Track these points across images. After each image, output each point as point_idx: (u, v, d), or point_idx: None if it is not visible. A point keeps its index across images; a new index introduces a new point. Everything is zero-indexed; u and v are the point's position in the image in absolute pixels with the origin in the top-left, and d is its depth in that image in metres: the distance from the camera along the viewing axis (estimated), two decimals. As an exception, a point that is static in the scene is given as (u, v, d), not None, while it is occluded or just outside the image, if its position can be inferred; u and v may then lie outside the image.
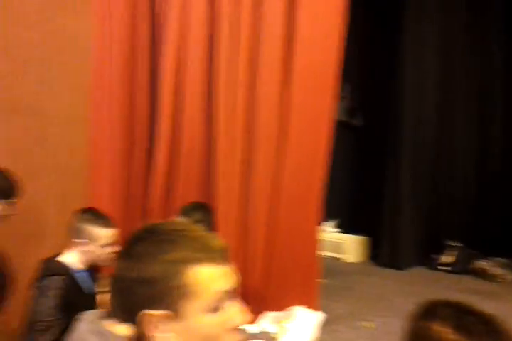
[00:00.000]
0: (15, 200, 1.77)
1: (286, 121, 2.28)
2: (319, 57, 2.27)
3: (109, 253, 1.78)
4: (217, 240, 0.73)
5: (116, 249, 1.78)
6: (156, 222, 0.76)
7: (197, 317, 0.68)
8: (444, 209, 4.55)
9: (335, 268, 3.53)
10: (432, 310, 0.87)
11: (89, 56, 2.34)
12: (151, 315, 0.68)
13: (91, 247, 1.78)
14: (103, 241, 1.76)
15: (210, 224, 2.28)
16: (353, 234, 4.21)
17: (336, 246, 3.94)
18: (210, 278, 0.68)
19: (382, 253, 3.98)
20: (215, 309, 0.69)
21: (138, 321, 0.70)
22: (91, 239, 1.78)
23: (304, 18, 2.25)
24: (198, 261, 0.68)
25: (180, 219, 2.01)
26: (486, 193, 4.99)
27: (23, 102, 2.22)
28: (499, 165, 5.05)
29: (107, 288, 1.61)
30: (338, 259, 3.97)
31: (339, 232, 4.19)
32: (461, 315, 0.83)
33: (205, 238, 0.72)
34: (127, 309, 0.73)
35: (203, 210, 2.15)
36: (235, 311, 0.71)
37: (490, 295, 3.35)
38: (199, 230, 0.74)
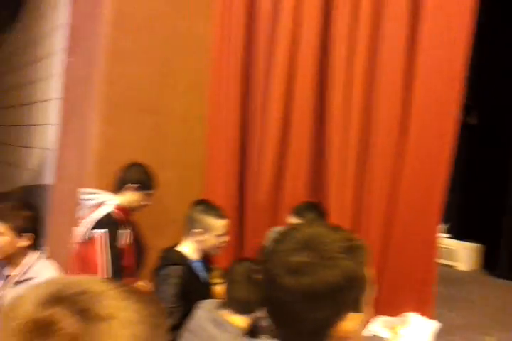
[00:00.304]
0: (152, 192, 1.92)
1: (407, 120, 2.18)
2: (444, 54, 2.15)
3: (221, 243, 1.84)
4: None
5: (227, 239, 1.84)
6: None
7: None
8: None
9: (447, 275, 3.31)
10: None
11: (208, 57, 2.44)
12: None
13: (206, 237, 1.86)
14: (217, 231, 1.83)
15: (323, 225, 2.24)
16: (464, 240, 3.92)
17: (447, 253, 3.70)
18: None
19: (501, 264, 3.65)
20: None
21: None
22: (206, 229, 1.86)
23: (430, 13, 2.14)
24: None
25: (292, 219, 2.01)
26: None
27: (149, 102, 2.37)
28: None
29: (220, 280, 1.66)
30: (449, 266, 3.73)
31: (450, 238, 3.93)
32: None
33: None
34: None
35: (316, 210, 2.13)
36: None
37: None
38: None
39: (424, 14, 2.16)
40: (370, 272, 0.68)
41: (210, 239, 1.85)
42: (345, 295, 0.63)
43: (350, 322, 0.64)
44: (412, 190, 2.15)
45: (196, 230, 1.86)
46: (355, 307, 0.65)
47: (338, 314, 0.64)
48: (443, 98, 2.18)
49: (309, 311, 0.63)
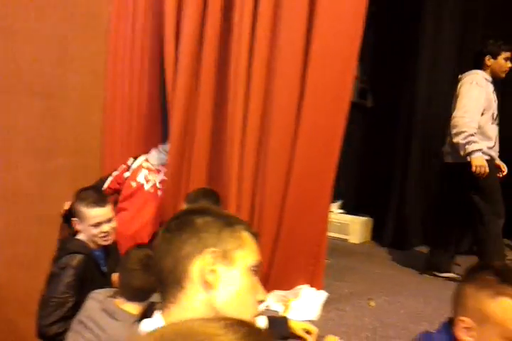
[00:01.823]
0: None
1: (302, 103, 2.29)
2: (338, 39, 2.27)
3: (101, 233, 1.83)
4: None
5: (110, 227, 1.82)
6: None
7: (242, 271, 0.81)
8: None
9: (339, 248, 3.61)
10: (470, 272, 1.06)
11: (107, 39, 2.36)
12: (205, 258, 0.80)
13: (82, 227, 1.84)
14: (90, 221, 1.80)
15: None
16: (357, 215, 4.27)
17: (341, 227, 4.01)
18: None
19: (387, 234, 4.05)
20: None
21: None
22: (81, 219, 1.83)
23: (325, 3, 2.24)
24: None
25: (186, 206, 2.04)
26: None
27: (42, 85, 2.26)
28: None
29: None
30: (342, 240, 4.05)
31: (343, 213, 4.25)
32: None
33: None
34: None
35: (210, 197, 2.17)
36: (260, 287, 0.82)
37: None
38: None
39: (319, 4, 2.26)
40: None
41: (86, 229, 1.83)
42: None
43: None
44: (304, 171, 2.30)
45: (74, 219, 1.83)
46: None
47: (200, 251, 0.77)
48: (336, 82, 2.32)
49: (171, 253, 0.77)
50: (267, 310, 2.24)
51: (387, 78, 4.74)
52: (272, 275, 2.30)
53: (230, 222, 0.81)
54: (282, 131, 2.28)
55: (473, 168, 2.66)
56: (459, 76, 3.11)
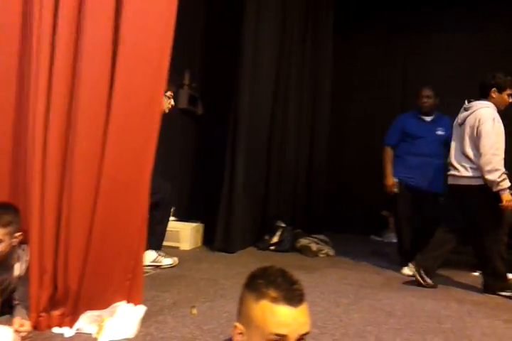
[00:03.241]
0: None
1: (110, 110, 2.15)
2: (148, 41, 2.20)
3: None
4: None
5: None
6: None
7: None
8: (275, 194, 4.89)
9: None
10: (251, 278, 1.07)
11: None
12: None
13: None
14: None
15: (19, 225, 2.10)
16: (189, 221, 4.26)
17: (172, 235, 3.94)
18: None
19: (216, 239, 4.12)
20: None
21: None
22: None
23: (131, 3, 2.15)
24: None
25: None
26: (312, 180, 5.52)
27: None
28: (325, 155, 5.65)
29: None
30: (174, 248, 3.99)
31: (175, 221, 4.20)
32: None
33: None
34: None
35: (11, 212, 2.05)
36: None
37: (309, 269, 3.72)
38: None
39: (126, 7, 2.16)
40: None
41: None
42: None
43: None
44: (115, 179, 2.14)
45: None
46: None
47: None
48: (147, 86, 2.22)
49: None
50: (79, 333, 2.04)
51: (217, 85, 4.86)
52: (83, 294, 2.10)
53: None
54: (89, 139, 2.11)
55: (504, 203, 3.07)
56: (467, 104, 3.38)
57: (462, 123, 3.37)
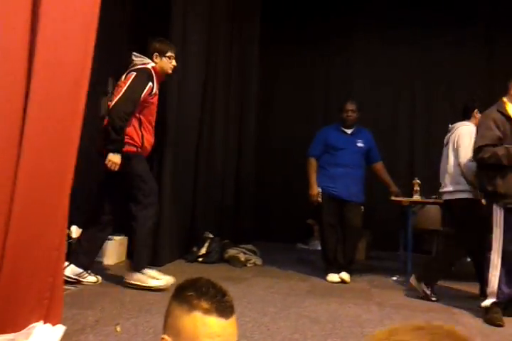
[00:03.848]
0: None
1: (26, 119, 2.03)
2: (69, 48, 2.11)
3: None
4: None
5: None
6: None
7: None
8: (203, 205, 4.86)
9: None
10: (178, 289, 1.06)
11: None
12: None
13: None
14: None
15: None
16: (112, 234, 4.10)
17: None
18: None
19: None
20: None
21: None
22: None
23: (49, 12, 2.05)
24: None
25: None
26: (239, 191, 5.56)
27: None
28: (252, 166, 5.72)
29: None
30: (97, 263, 3.81)
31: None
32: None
33: None
34: None
35: None
36: None
37: (237, 280, 3.73)
38: None
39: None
40: None
41: None
42: None
43: None
44: (30, 191, 2.02)
45: None
46: None
47: None
48: (67, 94, 2.13)
49: None
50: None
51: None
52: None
53: None
54: (2, 149, 1.97)
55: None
56: (451, 125, 3.71)
57: (447, 144, 3.72)
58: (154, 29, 4.53)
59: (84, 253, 3.22)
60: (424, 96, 6.32)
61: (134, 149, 3.22)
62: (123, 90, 3.08)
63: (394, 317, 2.92)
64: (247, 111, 5.73)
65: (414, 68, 6.26)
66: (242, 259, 4.46)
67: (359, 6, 6.33)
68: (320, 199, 4.15)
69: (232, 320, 1.03)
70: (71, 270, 3.14)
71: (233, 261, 4.44)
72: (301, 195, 4.75)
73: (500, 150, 2.94)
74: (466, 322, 2.93)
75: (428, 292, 3.41)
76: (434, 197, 4.16)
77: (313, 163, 4.27)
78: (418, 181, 4.22)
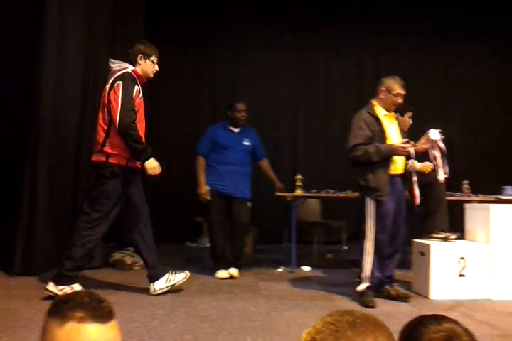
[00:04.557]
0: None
1: None
2: None
3: None
4: None
5: None
6: None
7: None
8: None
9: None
10: None
11: None
12: None
13: None
14: None
15: None
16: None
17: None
18: None
19: (15, 262, 3.66)
20: None
21: None
22: None
23: None
24: None
25: None
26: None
27: None
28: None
29: None
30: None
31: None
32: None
33: None
34: None
35: None
36: None
37: (124, 285, 3.59)
38: None
39: None
40: None
41: None
42: None
43: None
44: None
45: None
46: None
47: None
48: None
49: None
50: None
51: (15, 96, 4.30)
52: None
53: None
54: None
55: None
56: None
57: None
58: (29, 26, 4.13)
59: None
60: (304, 97, 6.69)
61: (124, 162, 3.16)
62: (119, 102, 3.08)
63: (280, 308, 3.04)
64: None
65: (298, 67, 6.61)
66: (129, 262, 4.30)
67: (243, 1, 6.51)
68: (208, 197, 4.16)
69: (112, 324, 0.98)
70: None
71: (119, 265, 4.27)
72: (189, 193, 4.72)
73: (371, 148, 3.21)
74: (344, 306, 3.16)
75: None
76: (315, 191, 4.42)
77: (201, 161, 4.26)
78: (300, 177, 4.45)
